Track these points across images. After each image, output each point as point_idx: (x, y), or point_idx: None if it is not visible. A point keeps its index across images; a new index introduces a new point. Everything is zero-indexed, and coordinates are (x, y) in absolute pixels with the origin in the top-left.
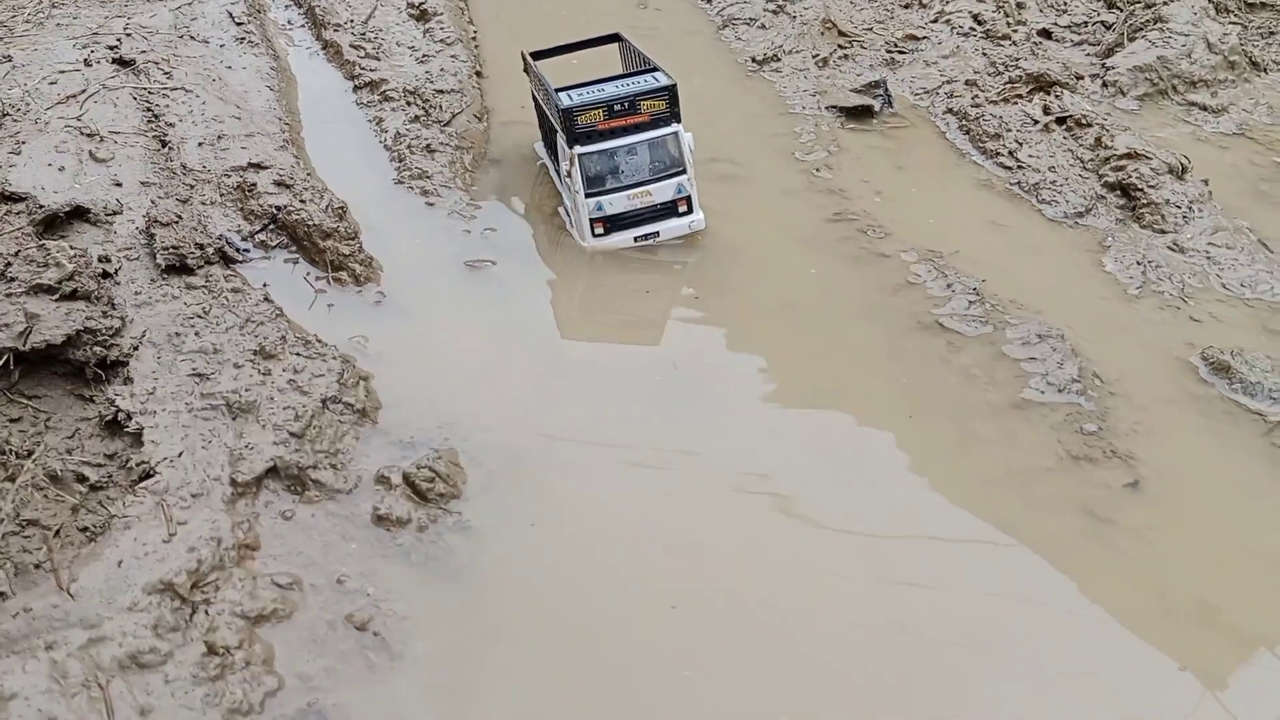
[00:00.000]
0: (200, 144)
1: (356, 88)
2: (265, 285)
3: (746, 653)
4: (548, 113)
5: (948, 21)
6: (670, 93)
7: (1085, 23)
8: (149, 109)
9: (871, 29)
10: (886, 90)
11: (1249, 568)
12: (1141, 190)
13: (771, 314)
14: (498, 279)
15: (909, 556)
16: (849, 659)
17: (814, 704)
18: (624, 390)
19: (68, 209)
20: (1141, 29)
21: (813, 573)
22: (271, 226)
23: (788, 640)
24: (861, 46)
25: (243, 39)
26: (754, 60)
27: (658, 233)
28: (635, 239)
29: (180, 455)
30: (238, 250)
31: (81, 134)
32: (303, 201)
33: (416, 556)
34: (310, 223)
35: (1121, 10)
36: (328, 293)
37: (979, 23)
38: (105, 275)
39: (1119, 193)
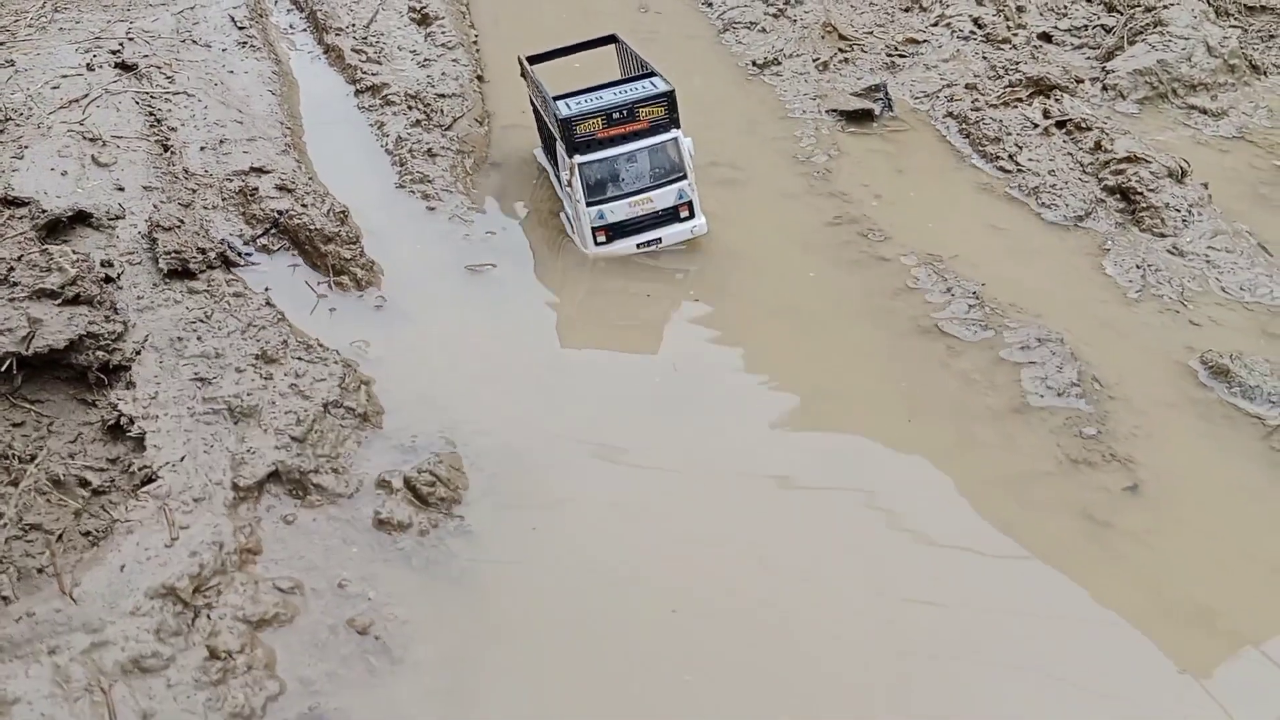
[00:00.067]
0: (202, 148)
1: (358, 92)
2: (267, 290)
3: (747, 654)
4: (546, 120)
5: (948, 25)
6: (669, 98)
7: (1085, 26)
8: (151, 113)
9: (872, 33)
10: (887, 94)
11: (1248, 571)
12: (1141, 194)
13: (771, 317)
14: (499, 283)
15: (908, 558)
16: (848, 660)
17: (814, 705)
18: (624, 393)
19: (70, 214)
20: (1141, 32)
21: (813, 575)
22: (273, 231)
23: (788, 642)
24: (862, 50)
25: (245, 43)
26: (754, 64)
27: (660, 239)
28: (638, 246)
29: (182, 459)
30: (240, 255)
31: (84, 139)
32: (304, 206)
33: (417, 560)
34: (312, 227)
35: (1121, 14)
36: (329, 297)
37: (979, 26)
38: (108, 280)
39: (1119, 196)
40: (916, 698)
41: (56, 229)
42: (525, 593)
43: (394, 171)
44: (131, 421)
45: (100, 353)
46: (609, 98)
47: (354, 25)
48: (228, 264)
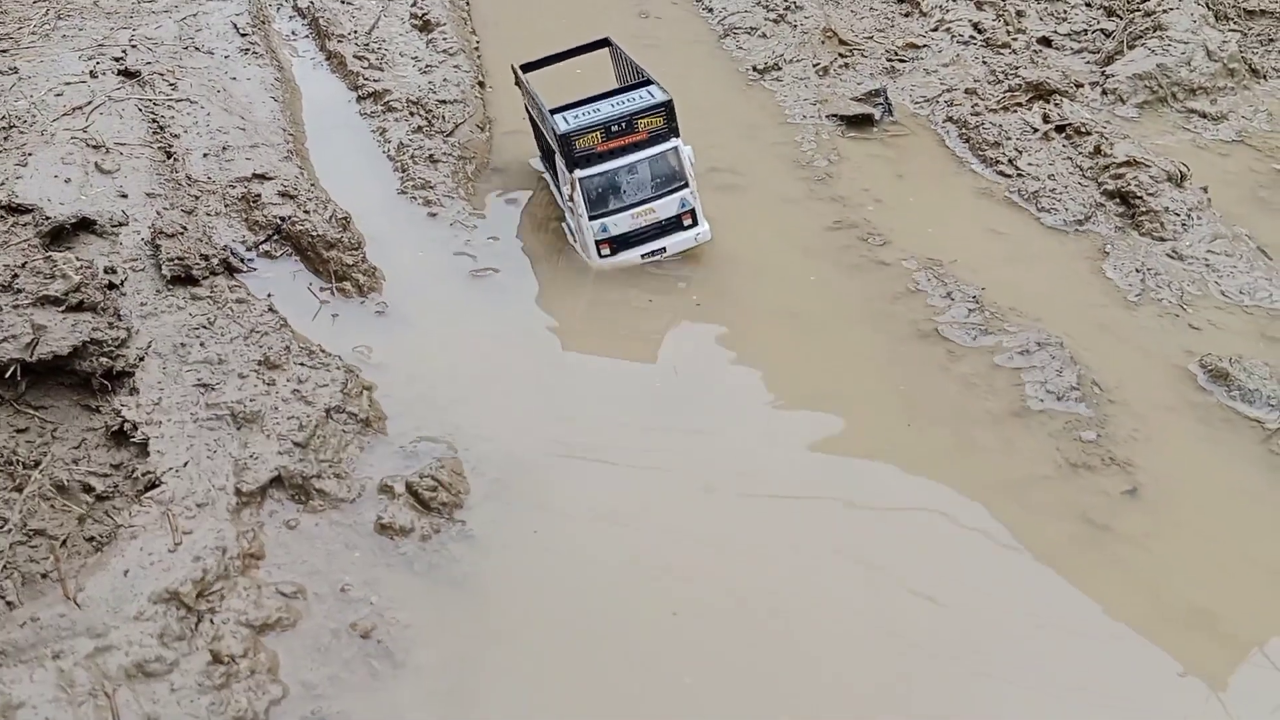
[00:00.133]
0: (205, 155)
1: (360, 98)
2: (270, 296)
3: (746, 655)
4: (544, 131)
5: (948, 30)
6: (667, 108)
7: (1085, 31)
8: (154, 120)
9: (872, 37)
10: (887, 99)
11: (1247, 574)
12: (1141, 198)
13: (772, 321)
14: (500, 288)
15: (908, 561)
16: (848, 661)
17: (814, 706)
18: (625, 396)
19: (74, 220)
20: (1141, 37)
21: (812, 576)
22: (276, 237)
23: (788, 642)
24: (862, 55)
25: (247, 50)
26: (755, 69)
27: (665, 249)
28: (643, 256)
29: (185, 465)
30: (242, 261)
31: (87, 145)
32: (307, 212)
33: (419, 565)
34: (314, 233)
35: (1121, 18)
36: (331, 303)
37: (979, 31)
38: (111, 286)
39: (1118, 200)
40: (916, 698)
41: (60, 236)
42: (526, 596)
43: (396, 177)
44: (135, 427)
45: (104, 359)
46: (606, 110)
47: (356, 32)
48: (230, 270)
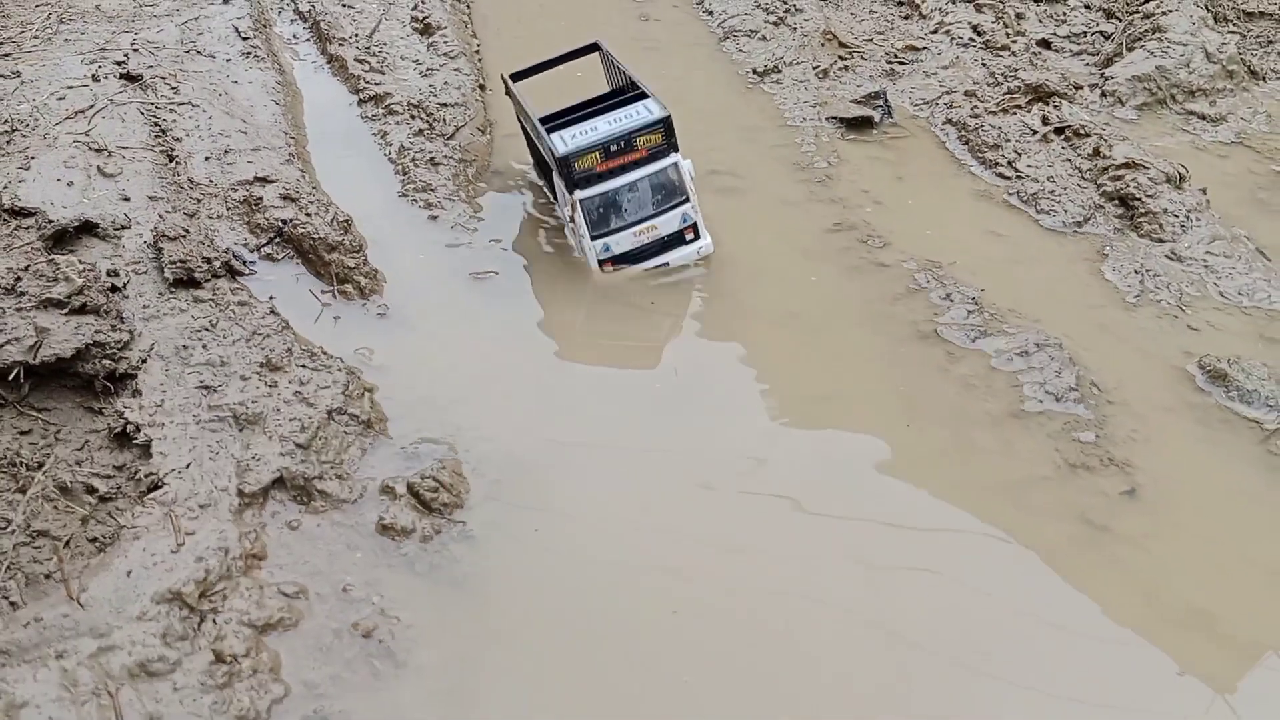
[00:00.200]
0: (207, 158)
1: (361, 102)
2: (271, 298)
3: (747, 655)
4: (539, 146)
5: (947, 32)
6: (665, 124)
7: (1084, 33)
8: (156, 124)
9: (871, 40)
10: (886, 101)
11: (1246, 575)
12: (1140, 199)
13: (772, 322)
14: (501, 290)
15: (908, 562)
16: (849, 662)
17: (814, 705)
18: (626, 397)
19: (77, 224)
20: (1140, 39)
21: (813, 576)
22: (278, 240)
23: (788, 642)
24: (861, 58)
25: (249, 54)
26: (755, 72)
27: (668, 262)
28: (645, 270)
29: (188, 466)
30: (244, 264)
31: (90, 149)
32: (308, 215)
33: (420, 565)
34: (316, 236)
35: (1120, 20)
36: (333, 305)
37: (978, 33)
38: (114, 289)
39: (1117, 202)
40: (916, 698)
41: (63, 239)
42: (526, 595)
43: (397, 180)
44: (138, 429)
45: (107, 361)
46: (604, 128)
47: (357, 35)
48: (232, 273)
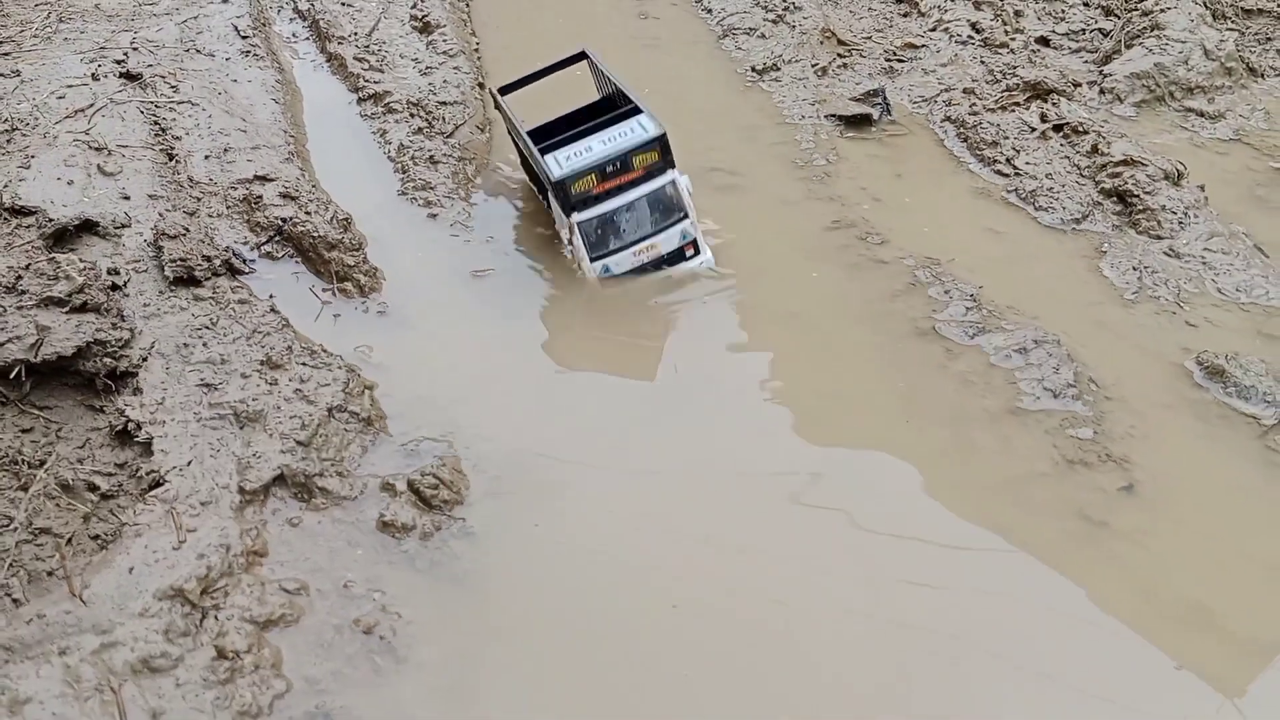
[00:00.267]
0: (207, 157)
1: (360, 100)
2: (271, 296)
3: (747, 655)
4: (531, 163)
5: (946, 30)
6: (661, 142)
7: (1083, 30)
8: (156, 123)
9: (870, 37)
10: (885, 99)
11: (1244, 571)
12: (1138, 196)
13: (771, 320)
14: (500, 288)
15: (907, 560)
16: (849, 660)
17: (814, 704)
18: (626, 395)
19: (77, 222)
20: (1139, 36)
21: (813, 575)
22: (277, 238)
23: (788, 642)
24: (860, 55)
25: (248, 52)
26: (754, 70)
27: (670, 276)
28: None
29: (189, 464)
30: (244, 262)
31: (90, 148)
32: (308, 214)
33: (421, 562)
34: (315, 234)
35: (1119, 17)
36: (333, 304)
37: (977, 31)
38: (114, 288)
39: (1115, 199)
40: (916, 697)
41: (63, 238)
42: (527, 592)
43: (396, 179)
44: (139, 427)
45: (107, 359)
46: (599, 149)
47: (356, 34)
48: (232, 271)
